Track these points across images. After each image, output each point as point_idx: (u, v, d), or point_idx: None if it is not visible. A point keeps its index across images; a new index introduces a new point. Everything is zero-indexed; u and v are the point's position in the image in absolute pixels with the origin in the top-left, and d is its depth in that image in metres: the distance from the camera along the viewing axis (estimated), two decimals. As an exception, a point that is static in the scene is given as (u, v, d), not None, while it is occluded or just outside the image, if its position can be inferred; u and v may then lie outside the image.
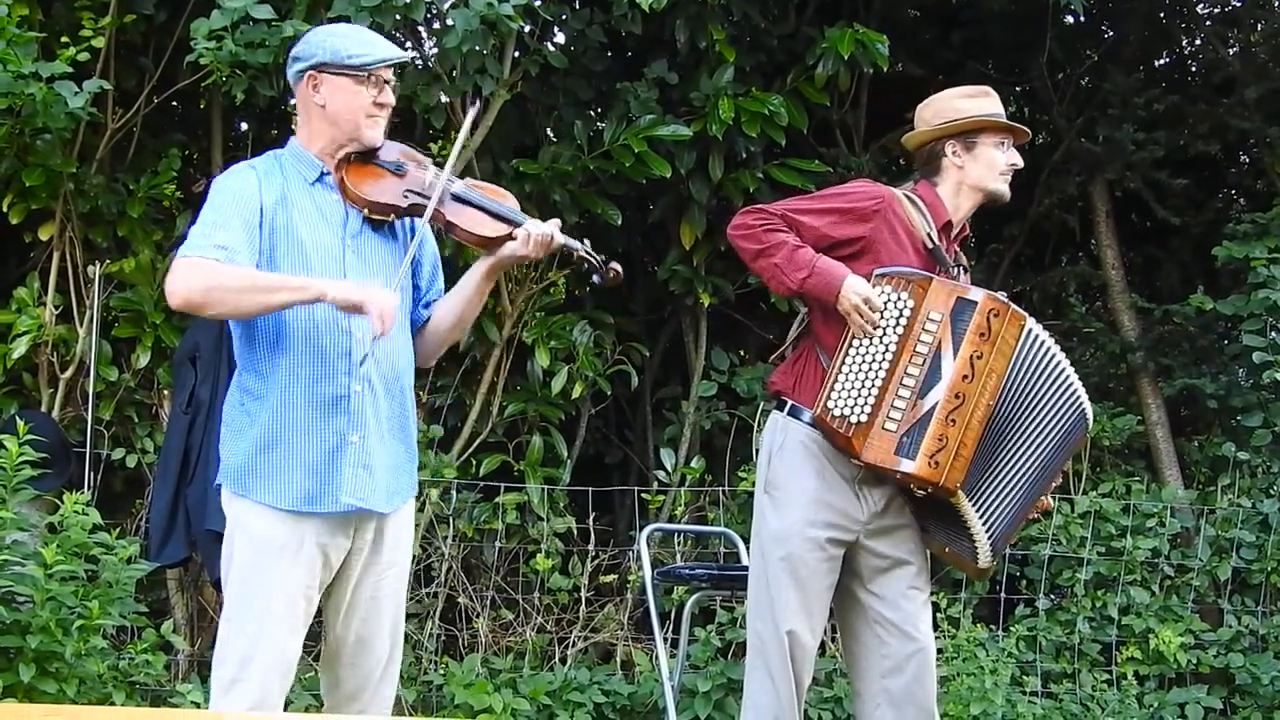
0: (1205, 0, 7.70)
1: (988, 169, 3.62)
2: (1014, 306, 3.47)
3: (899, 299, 3.44)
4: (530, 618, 5.73)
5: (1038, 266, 7.61)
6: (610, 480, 6.42)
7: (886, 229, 3.52)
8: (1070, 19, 6.94)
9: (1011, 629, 5.81)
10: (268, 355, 2.97)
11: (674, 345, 6.64)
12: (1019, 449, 3.49)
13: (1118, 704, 5.64)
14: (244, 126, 6.19)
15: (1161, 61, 7.82)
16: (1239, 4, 7.57)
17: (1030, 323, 3.49)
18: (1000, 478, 3.48)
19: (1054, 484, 3.66)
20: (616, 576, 5.90)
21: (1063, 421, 3.52)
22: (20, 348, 5.28)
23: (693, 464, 6.14)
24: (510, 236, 3.11)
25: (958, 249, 3.68)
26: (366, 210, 3.08)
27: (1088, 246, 7.65)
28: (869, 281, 3.45)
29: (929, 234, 3.55)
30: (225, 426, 3.04)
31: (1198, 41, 7.82)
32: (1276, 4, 7.42)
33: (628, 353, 6.13)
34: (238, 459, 2.98)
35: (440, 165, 3.18)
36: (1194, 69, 7.88)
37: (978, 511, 3.45)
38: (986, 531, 3.48)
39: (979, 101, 3.65)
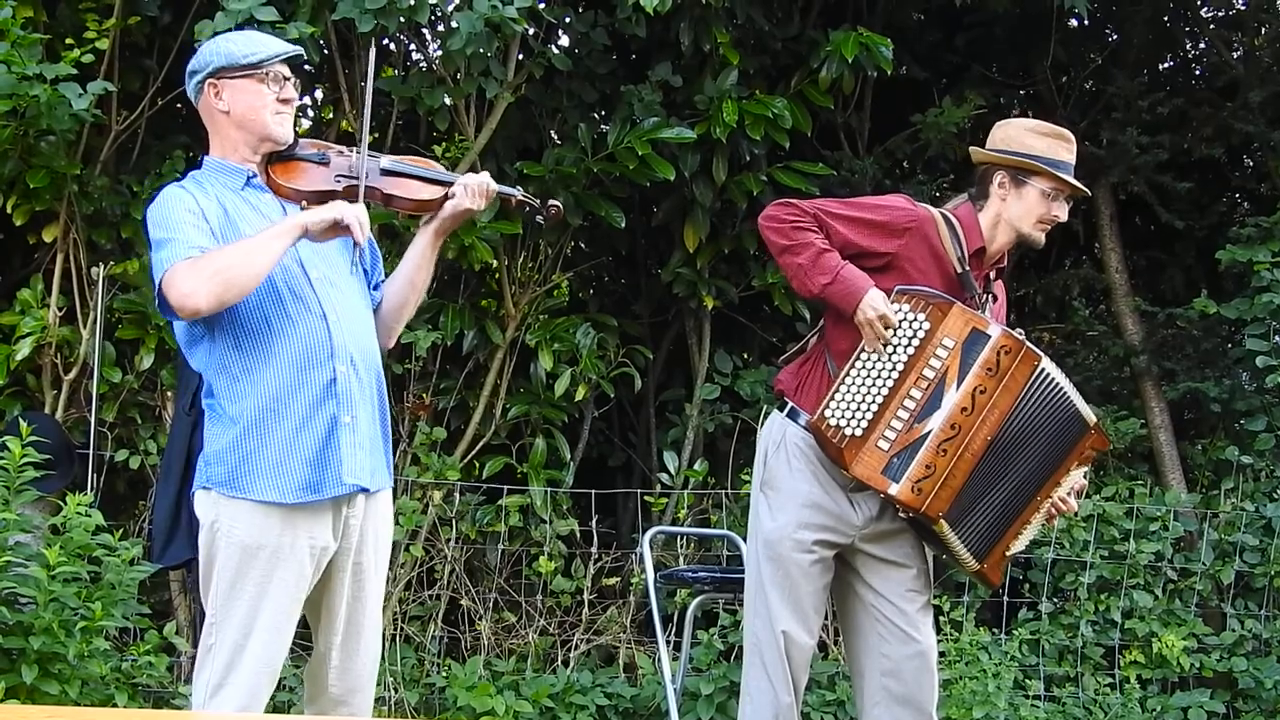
0: (1209, 4, 7.69)
1: (1026, 212, 3.53)
2: (1029, 346, 3.41)
3: (915, 319, 3.40)
4: (533, 620, 5.73)
5: (1041, 269, 7.59)
6: (613, 483, 6.42)
7: (916, 249, 3.47)
8: (1074, 22, 6.94)
9: (1014, 632, 5.81)
10: (246, 353, 2.94)
11: (677, 348, 6.64)
12: (1013, 480, 3.46)
13: (1120, 708, 5.63)
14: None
15: (1165, 65, 7.82)
16: (1243, 7, 7.56)
17: (1044, 363, 3.42)
18: (989, 506, 3.45)
19: (1062, 489, 3.54)
20: (619, 579, 5.91)
21: (1053, 433, 3.48)
22: (24, 349, 5.28)
23: (696, 467, 6.14)
24: (448, 196, 3.16)
25: (990, 275, 3.61)
26: (304, 203, 3.08)
27: (1091, 250, 7.64)
28: (890, 297, 3.41)
29: (959, 258, 3.49)
30: (208, 433, 2.99)
31: (1202, 45, 7.82)
32: (1280, 7, 7.42)
33: (631, 355, 6.13)
34: (228, 462, 2.94)
35: (357, 149, 3.18)
36: (1198, 72, 7.87)
37: (961, 539, 3.43)
38: (969, 551, 3.46)
39: (1048, 143, 3.53)
